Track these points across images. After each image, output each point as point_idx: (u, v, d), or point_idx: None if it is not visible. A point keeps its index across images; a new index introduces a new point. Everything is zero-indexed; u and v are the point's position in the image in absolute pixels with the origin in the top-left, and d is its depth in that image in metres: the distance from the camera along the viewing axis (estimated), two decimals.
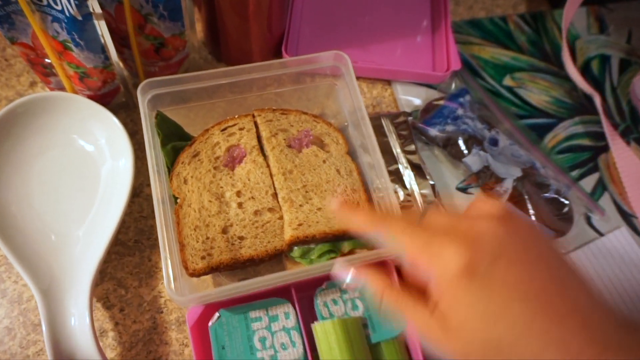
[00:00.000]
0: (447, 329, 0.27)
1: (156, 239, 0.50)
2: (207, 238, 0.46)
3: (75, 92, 0.52)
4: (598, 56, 0.68)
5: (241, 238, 0.46)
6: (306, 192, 0.49)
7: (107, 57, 0.49)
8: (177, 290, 0.41)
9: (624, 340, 0.24)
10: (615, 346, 0.24)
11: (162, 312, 0.50)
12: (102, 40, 0.47)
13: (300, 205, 0.48)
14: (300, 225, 0.47)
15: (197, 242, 0.46)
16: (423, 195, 0.54)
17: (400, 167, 0.55)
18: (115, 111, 0.55)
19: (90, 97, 0.52)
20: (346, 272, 0.35)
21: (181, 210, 0.47)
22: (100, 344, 0.48)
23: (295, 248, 0.47)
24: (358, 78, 0.65)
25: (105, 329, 0.49)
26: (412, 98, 0.63)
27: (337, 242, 0.48)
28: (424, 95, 0.63)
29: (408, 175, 0.55)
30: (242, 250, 0.46)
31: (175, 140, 0.50)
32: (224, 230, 0.46)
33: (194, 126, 0.53)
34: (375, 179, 0.50)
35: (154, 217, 0.49)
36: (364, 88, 0.65)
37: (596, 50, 0.68)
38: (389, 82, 0.65)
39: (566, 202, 0.54)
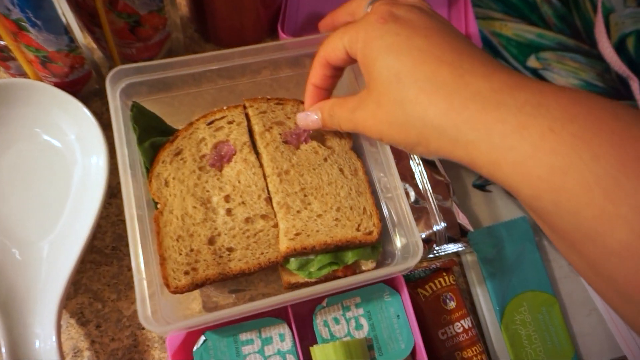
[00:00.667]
0: (371, 101, 0.31)
1: None
2: (192, 250, 0.40)
3: (38, 78, 0.45)
4: (635, 32, 0.60)
5: (230, 249, 0.41)
6: (305, 195, 0.42)
7: (73, 39, 0.42)
8: (155, 314, 0.35)
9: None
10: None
11: (143, 328, 0.45)
12: (64, 20, 0.40)
13: (298, 212, 0.42)
14: (297, 234, 0.41)
15: (180, 254, 0.40)
16: (437, 197, 0.48)
17: (411, 163, 0.49)
18: (87, 100, 0.49)
19: (57, 85, 0.45)
20: (312, 114, 0.39)
21: (161, 218, 0.41)
22: None
23: (292, 259, 0.41)
24: None
25: (80, 348, 0.44)
26: None
27: (340, 252, 0.42)
28: None
29: (420, 173, 0.49)
30: (231, 264, 0.40)
31: (155, 136, 0.44)
32: (211, 241, 0.41)
33: (177, 118, 0.46)
34: (382, 178, 0.44)
35: None
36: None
37: (633, 26, 0.60)
38: None
39: None
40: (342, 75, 0.40)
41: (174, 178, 0.42)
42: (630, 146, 0.20)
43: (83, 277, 0.46)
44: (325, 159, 0.44)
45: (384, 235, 0.43)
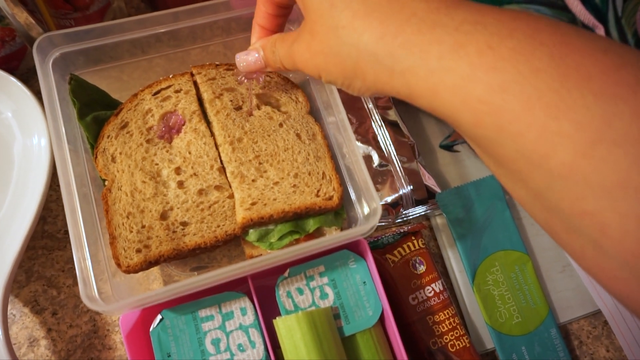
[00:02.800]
0: (306, 32, 0.29)
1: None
2: (143, 226, 0.38)
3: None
4: None
5: (184, 224, 0.39)
6: (260, 163, 0.40)
7: None
8: (103, 295, 0.33)
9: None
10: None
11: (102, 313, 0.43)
12: None
13: (253, 180, 0.40)
14: (254, 204, 0.39)
15: (131, 232, 0.38)
16: (401, 159, 0.46)
17: (373, 125, 0.47)
18: (27, 78, 0.46)
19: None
20: (254, 52, 0.36)
21: (110, 195, 0.39)
22: (31, 355, 0.41)
23: (251, 231, 0.39)
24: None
25: (36, 337, 0.42)
26: None
27: (300, 220, 0.40)
28: None
29: (383, 135, 0.47)
30: (185, 239, 0.38)
31: (98, 110, 0.41)
32: (163, 216, 0.39)
33: (127, 93, 0.43)
34: (342, 143, 0.42)
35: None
36: None
37: None
38: None
39: None
40: (289, 14, 0.37)
41: (120, 153, 0.40)
42: (571, 58, 0.19)
43: (35, 264, 0.44)
44: (281, 125, 0.42)
45: (347, 202, 0.41)
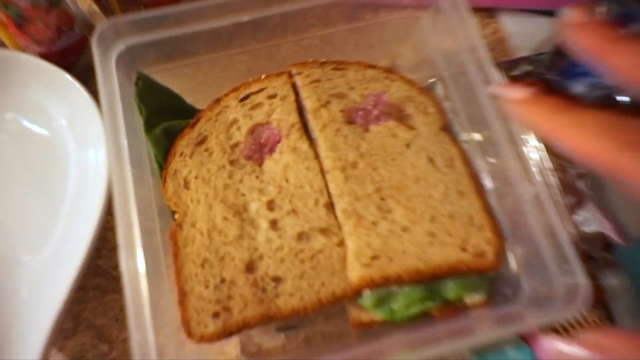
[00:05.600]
0: None
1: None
2: (223, 281, 0.28)
3: (19, 47, 0.34)
4: None
5: (277, 280, 0.28)
6: (382, 199, 0.29)
7: None
8: None
9: None
10: None
11: None
12: None
13: (374, 223, 0.28)
14: (375, 258, 0.28)
15: (207, 287, 0.28)
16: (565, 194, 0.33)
17: (524, 148, 0.35)
18: (85, 76, 0.37)
19: (43, 56, 0.34)
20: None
21: (180, 233, 0.29)
22: None
23: (368, 293, 0.28)
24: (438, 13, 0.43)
25: None
26: (532, 35, 0.41)
27: (436, 284, 0.28)
28: (551, 30, 0.41)
29: (539, 162, 0.34)
30: (279, 300, 0.28)
31: (169, 119, 0.32)
32: (250, 268, 0.28)
33: (202, 95, 0.34)
34: (495, 171, 0.30)
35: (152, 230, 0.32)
36: (444, 28, 0.44)
37: None
38: (491, 13, 0.43)
39: None
40: None
41: (196, 177, 0.30)
42: None
43: (85, 309, 0.35)
44: (408, 145, 0.31)
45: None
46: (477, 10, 0.44)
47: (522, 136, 0.29)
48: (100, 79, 0.27)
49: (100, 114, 0.33)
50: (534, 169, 0.29)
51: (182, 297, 0.28)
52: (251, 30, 0.35)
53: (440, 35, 0.34)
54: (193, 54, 0.33)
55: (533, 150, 0.35)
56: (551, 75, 0.37)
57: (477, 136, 0.32)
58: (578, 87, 0.36)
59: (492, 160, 0.32)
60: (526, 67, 0.36)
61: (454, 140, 0.32)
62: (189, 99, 0.35)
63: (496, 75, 0.29)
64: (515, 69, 0.37)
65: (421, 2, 0.35)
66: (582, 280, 0.24)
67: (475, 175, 0.31)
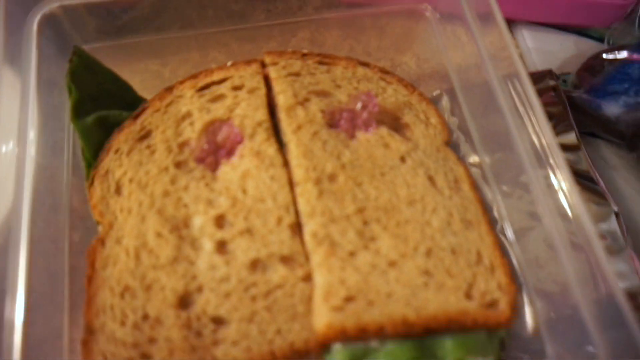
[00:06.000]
0: None
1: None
2: (145, 317, 0.21)
3: None
4: None
5: (218, 321, 0.21)
6: (364, 223, 0.22)
7: None
8: None
9: None
10: None
11: None
12: None
13: (352, 254, 0.22)
14: (349, 299, 0.21)
15: (123, 325, 0.21)
16: (601, 234, 0.27)
17: (550, 173, 0.28)
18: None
19: None
20: None
21: (101, 251, 0.22)
22: None
23: (337, 346, 0.21)
24: (452, 18, 0.38)
25: None
26: (553, 53, 0.36)
27: (429, 341, 0.21)
28: (573, 47, 0.36)
29: (566, 191, 0.28)
30: (217, 350, 0.20)
31: (109, 107, 0.25)
32: (183, 302, 0.21)
33: (159, 86, 0.28)
34: (512, 201, 0.24)
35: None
36: (461, 35, 0.38)
37: None
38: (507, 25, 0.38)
39: None
40: None
41: (131, 180, 0.24)
42: None
43: None
44: (403, 159, 0.25)
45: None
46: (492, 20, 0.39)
47: (552, 161, 0.23)
48: (0, 45, 0.21)
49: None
50: (566, 202, 0.22)
51: (89, 335, 0.21)
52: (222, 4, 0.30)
53: (447, 44, 0.29)
54: (148, 30, 0.27)
55: (565, 180, 0.28)
56: (580, 94, 0.31)
57: (490, 158, 0.26)
58: (612, 108, 0.30)
59: (508, 188, 0.25)
60: (550, 82, 0.31)
61: (460, 159, 0.26)
62: (142, 90, 0.28)
63: (529, 88, 0.23)
64: (537, 83, 0.31)
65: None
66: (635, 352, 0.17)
67: (484, 203, 0.25)
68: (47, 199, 0.21)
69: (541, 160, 0.24)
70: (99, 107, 0.25)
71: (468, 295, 0.21)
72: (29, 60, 0.22)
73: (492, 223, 0.24)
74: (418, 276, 0.21)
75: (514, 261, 0.24)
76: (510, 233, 0.24)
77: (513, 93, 0.23)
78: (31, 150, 0.21)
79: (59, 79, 0.24)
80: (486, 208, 0.25)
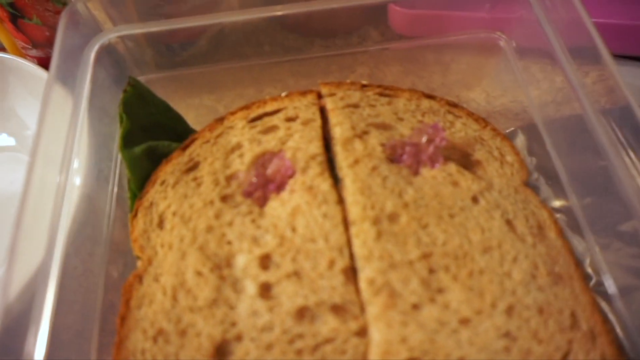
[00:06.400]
0: None
1: None
2: None
3: (18, 52, 0.30)
4: None
5: None
6: (431, 271, 0.19)
7: None
8: None
9: None
10: None
11: None
12: None
13: (416, 307, 0.18)
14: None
15: None
16: None
17: None
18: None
19: (43, 63, 0.29)
20: None
21: (138, 288, 0.20)
22: None
23: None
24: (523, 56, 0.35)
25: None
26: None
27: None
28: None
29: None
30: None
31: (159, 138, 0.25)
32: (220, 351, 0.19)
33: (212, 117, 0.27)
34: (611, 253, 0.20)
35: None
36: (535, 71, 0.35)
37: None
38: (594, 57, 0.34)
39: None
40: None
41: (174, 213, 0.22)
42: None
43: None
44: (475, 199, 0.21)
45: None
46: (577, 51, 0.36)
47: None
48: (54, 65, 0.21)
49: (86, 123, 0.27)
50: None
51: None
52: (281, 36, 0.29)
53: (526, 77, 0.26)
54: (202, 62, 0.26)
55: None
56: None
57: (580, 203, 0.22)
58: None
59: (603, 238, 0.21)
60: None
61: (543, 202, 0.22)
62: (195, 123, 0.28)
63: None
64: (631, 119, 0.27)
65: (498, 27, 0.27)
66: None
67: (575, 254, 0.21)
68: (86, 230, 0.20)
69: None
70: (149, 138, 0.24)
71: None
72: (82, 87, 0.22)
73: (586, 279, 0.20)
74: (497, 339, 0.18)
75: (617, 327, 0.19)
76: (608, 291, 0.20)
77: (616, 129, 0.20)
78: (75, 178, 0.20)
79: (111, 109, 0.24)
80: (573, 251, 0.21)
